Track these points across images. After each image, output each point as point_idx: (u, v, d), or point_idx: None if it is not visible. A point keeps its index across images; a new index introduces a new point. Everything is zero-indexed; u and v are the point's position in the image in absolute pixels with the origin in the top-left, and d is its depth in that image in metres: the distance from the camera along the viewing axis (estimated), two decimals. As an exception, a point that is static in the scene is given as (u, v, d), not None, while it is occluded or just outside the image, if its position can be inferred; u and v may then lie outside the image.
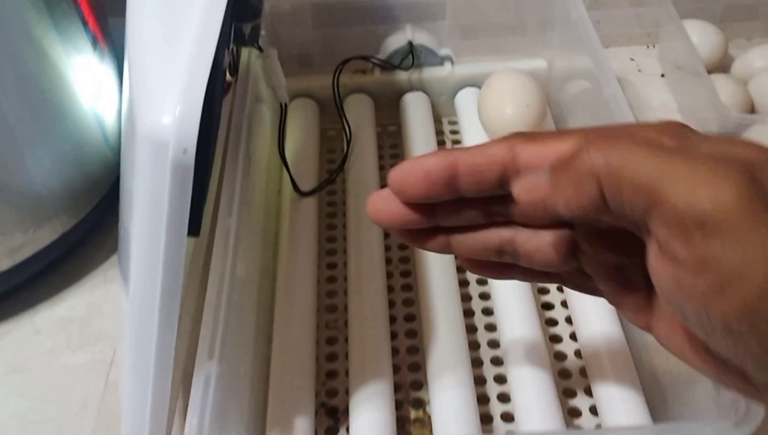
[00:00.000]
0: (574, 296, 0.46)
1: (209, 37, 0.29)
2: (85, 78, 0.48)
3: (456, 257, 0.33)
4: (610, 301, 0.29)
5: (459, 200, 0.28)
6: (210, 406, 0.33)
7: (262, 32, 0.48)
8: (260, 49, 0.50)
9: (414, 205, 0.28)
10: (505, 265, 0.30)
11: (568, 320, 0.46)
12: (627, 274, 0.28)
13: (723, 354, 0.24)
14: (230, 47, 0.48)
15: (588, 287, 0.30)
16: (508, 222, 0.29)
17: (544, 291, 0.49)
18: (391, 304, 0.48)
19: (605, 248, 0.27)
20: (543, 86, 0.59)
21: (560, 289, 0.48)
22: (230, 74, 0.51)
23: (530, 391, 0.41)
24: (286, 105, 0.50)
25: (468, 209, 0.29)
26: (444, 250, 0.30)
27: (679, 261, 0.22)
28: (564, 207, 0.25)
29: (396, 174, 0.28)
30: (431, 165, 0.27)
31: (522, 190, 0.27)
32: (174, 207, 0.28)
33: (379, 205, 0.29)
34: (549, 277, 0.31)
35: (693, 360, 0.26)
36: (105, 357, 0.48)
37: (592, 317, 0.44)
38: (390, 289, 0.48)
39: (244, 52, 0.51)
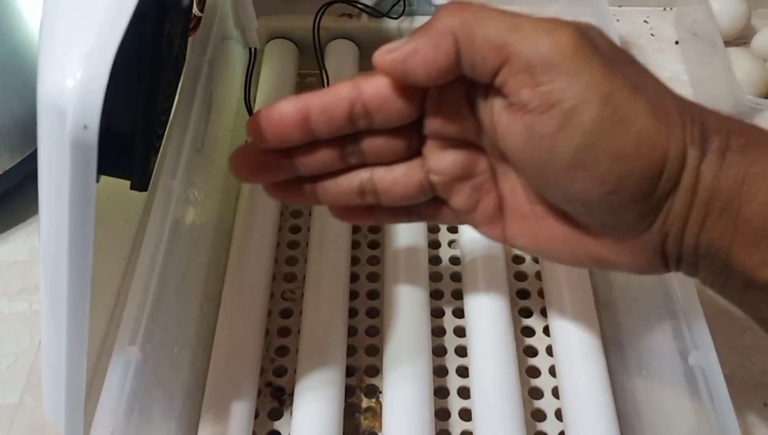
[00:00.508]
0: (550, 285, 0.42)
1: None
2: (33, 7, 0.43)
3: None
4: (466, 220, 0.32)
5: (315, 144, 0.30)
6: (127, 393, 0.29)
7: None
8: (231, -17, 0.45)
9: (273, 154, 0.30)
10: (369, 208, 0.33)
11: (543, 312, 0.43)
12: (476, 177, 0.31)
13: (567, 207, 0.28)
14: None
15: (443, 215, 0.33)
16: (364, 164, 0.31)
17: (521, 277, 0.45)
18: (355, 278, 0.44)
19: (451, 119, 0.29)
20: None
21: (538, 278, 0.44)
22: (198, 9, 0.47)
23: (492, 390, 0.37)
24: (255, 50, 0.46)
25: (324, 150, 0.30)
26: (311, 199, 0.32)
27: (527, 107, 0.25)
28: (423, 68, 0.26)
29: (253, 121, 0.29)
30: (284, 109, 0.29)
31: (382, 63, 0.27)
32: (76, 191, 0.24)
33: (240, 159, 0.31)
34: (409, 215, 0.33)
35: (545, 246, 0.30)
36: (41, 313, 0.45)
37: (567, 310, 0.40)
38: (355, 260, 0.45)
39: (214, -15, 0.46)
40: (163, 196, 0.35)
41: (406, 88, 0.28)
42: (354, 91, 0.28)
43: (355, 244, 0.45)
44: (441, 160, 0.31)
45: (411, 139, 0.31)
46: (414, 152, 0.31)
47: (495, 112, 0.27)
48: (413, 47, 0.26)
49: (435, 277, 0.44)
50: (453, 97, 0.29)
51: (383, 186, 0.31)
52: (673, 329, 0.33)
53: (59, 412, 0.33)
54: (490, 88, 0.27)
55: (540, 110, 0.25)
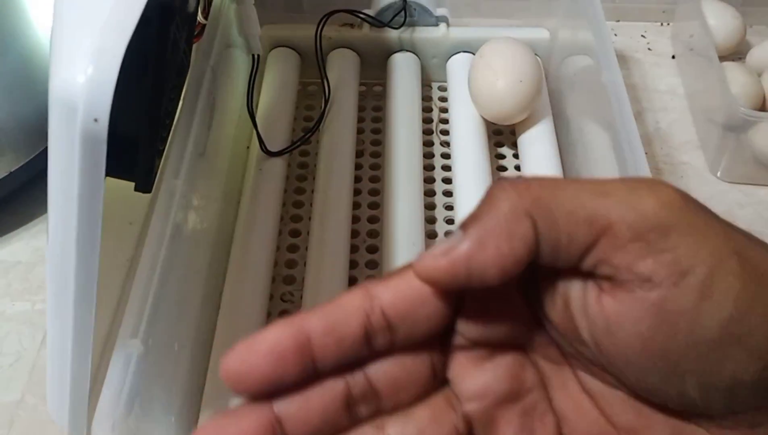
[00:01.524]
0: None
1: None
2: (42, 11, 0.44)
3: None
4: None
5: (310, 388, 0.21)
6: (128, 386, 0.30)
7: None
8: (236, -8, 0.46)
9: (255, 423, 0.21)
10: None
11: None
12: (526, 396, 0.23)
13: (698, 399, 0.21)
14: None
15: None
16: (375, 414, 0.22)
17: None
18: (353, 281, 0.45)
19: (499, 318, 0.22)
20: (543, 58, 0.55)
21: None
22: (203, 17, 0.48)
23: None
24: (258, 56, 0.47)
25: (324, 397, 0.21)
26: None
27: (652, 281, 0.20)
28: (497, 264, 0.20)
29: (230, 359, 0.20)
30: (275, 335, 0.20)
31: (436, 271, 0.21)
32: (86, 182, 0.25)
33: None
34: None
35: None
36: (46, 307, 0.45)
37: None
38: (353, 263, 0.45)
39: (219, -7, 0.47)
40: (165, 196, 0.36)
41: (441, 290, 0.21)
42: (367, 300, 0.21)
43: (353, 248, 0.46)
44: (479, 377, 0.23)
45: (434, 361, 0.23)
46: (438, 382, 0.23)
47: (579, 296, 0.21)
48: (476, 242, 0.20)
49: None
50: (503, 289, 0.22)
51: None
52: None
53: (63, 411, 0.33)
54: (566, 271, 0.21)
55: (671, 282, 0.20)
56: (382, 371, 0.22)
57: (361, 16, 0.54)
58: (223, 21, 0.45)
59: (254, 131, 0.49)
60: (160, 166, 0.39)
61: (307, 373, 0.21)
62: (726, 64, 0.57)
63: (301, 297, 0.42)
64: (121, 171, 0.41)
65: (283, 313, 0.44)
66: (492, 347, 0.23)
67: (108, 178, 0.39)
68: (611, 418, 0.23)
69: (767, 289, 0.20)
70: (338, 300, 0.21)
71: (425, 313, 0.21)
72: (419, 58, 0.56)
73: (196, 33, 0.46)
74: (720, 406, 0.21)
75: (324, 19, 0.52)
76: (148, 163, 0.41)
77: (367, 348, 0.21)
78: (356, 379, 0.22)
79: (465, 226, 0.21)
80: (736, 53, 0.61)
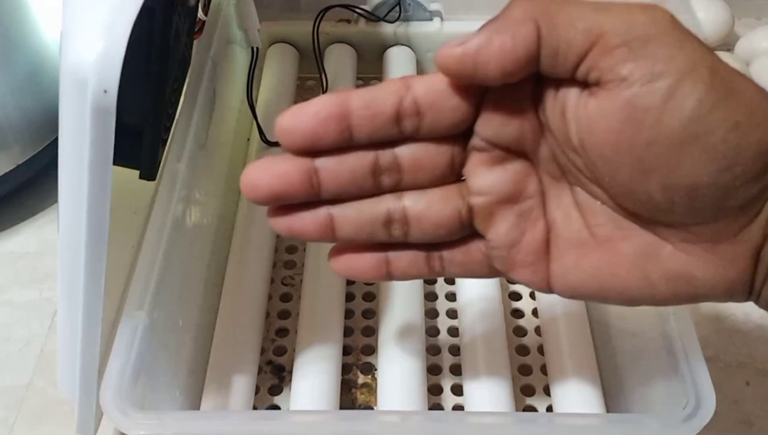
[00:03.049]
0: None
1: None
2: (46, 5, 0.46)
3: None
4: (503, 264, 0.27)
5: (347, 151, 0.26)
6: (134, 356, 0.31)
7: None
8: (235, -13, 0.48)
9: (296, 166, 0.25)
10: (383, 252, 0.28)
11: (532, 295, 0.45)
12: (524, 201, 0.27)
13: (663, 202, 0.24)
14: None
15: (473, 260, 0.28)
16: (396, 188, 0.27)
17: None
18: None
19: (509, 121, 0.25)
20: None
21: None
22: (203, 12, 0.49)
23: (483, 367, 0.39)
24: (257, 49, 0.48)
25: (357, 159, 0.26)
26: (324, 231, 0.27)
27: (628, 80, 0.23)
28: (498, 60, 0.23)
29: (284, 117, 0.25)
30: (320, 103, 0.25)
31: (448, 58, 0.24)
32: (96, 153, 0.26)
33: (255, 174, 0.26)
34: (429, 263, 0.28)
35: (607, 277, 0.26)
36: (53, 296, 0.47)
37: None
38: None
39: (218, -11, 0.48)
40: (168, 181, 0.37)
41: (464, 85, 0.25)
42: (404, 87, 0.25)
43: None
44: (488, 177, 0.27)
45: (454, 155, 0.27)
46: (455, 176, 0.27)
47: (573, 104, 0.24)
48: (486, 37, 0.23)
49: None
50: (516, 95, 0.25)
51: (415, 211, 0.27)
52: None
53: (73, 387, 0.35)
54: (565, 81, 0.24)
55: (643, 81, 0.22)
56: (408, 152, 0.26)
57: (357, 11, 0.55)
58: (223, 16, 0.47)
59: (254, 123, 0.50)
60: (164, 154, 0.40)
61: (344, 140, 0.25)
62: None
63: (302, 281, 0.44)
64: (127, 159, 0.43)
65: (284, 296, 0.45)
66: (504, 153, 0.26)
67: (113, 169, 0.40)
68: (593, 229, 0.26)
69: (731, 100, 0.22)
70: (380, 84, 0.26)
71: (450, 105, 0.25)
72: (414, 52, 0.57)
73: (196, 29, 0.47)
74: (682, 210, 0.24)
75: (321, 15, 0.54)
76: (153, 151, 0.42)
77: (398, 129, 0.26)
78: (385, 154, 0.26)
79: (482, 27, 0.24)
80: (725, 44, 0.62)
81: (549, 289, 0.28)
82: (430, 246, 0.28)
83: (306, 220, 0.27)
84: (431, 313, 0.44)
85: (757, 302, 0.26)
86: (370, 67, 0.57)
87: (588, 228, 0.27)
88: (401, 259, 0.28)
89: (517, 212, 0.27)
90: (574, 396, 0.38)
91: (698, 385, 0.30)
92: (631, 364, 0.37)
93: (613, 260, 0.26)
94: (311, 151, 0.25)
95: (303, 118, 0.25)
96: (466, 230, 0.28)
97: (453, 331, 0.43)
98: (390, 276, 0.29)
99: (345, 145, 0.26)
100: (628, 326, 0.38)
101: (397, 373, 0.38)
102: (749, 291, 0.25)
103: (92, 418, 0.36)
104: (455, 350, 0.42)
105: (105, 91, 0.26)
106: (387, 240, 0.28)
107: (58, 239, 0.31)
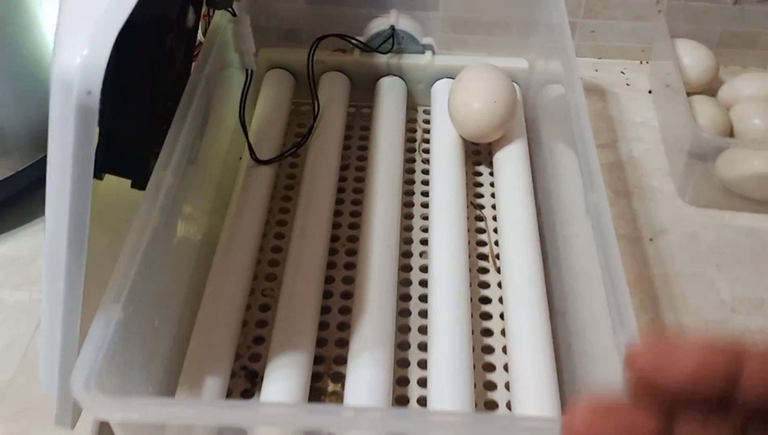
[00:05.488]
0: (509, 291, 0.45)
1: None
2: (49, 16, 0.48)
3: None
4: None
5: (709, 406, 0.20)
6: (106, 346, 0.32)
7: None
8: (233, 13, 0.50)
9: (645, 414, 0.20)
10: None
11: (500, 300, 0.46)
12: None
13: None
14: (202, 8, 0.48)
15: None
16: None
17: (485, 285, 0.48)
18: (330, 280, 0.47)
19: None
20: (522, 86, 0.59)
21: (501, 301, 0.48)
22: (202, 34, 0.51)
23: (447, 365, 0.41)
24: (252, 71, 0.50)
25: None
26: None
27: None
28: None
29: (651, 349, 0.20)
30: (709, 345, 0.20)
31: None
32: (79, 149, 0.28)
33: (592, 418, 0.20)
34: None
35: None
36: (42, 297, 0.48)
37: (521, 314, 0.43)
38: (332, 265, 0.48)
39: (217, 14, 0.51)
40: (154, 186, 0.39)
41: None
42: None
43: (332, 251, 0.49)
44: None
45: None
46: None
47: None
48: None
49: (404, 283, 0.48)
50: None
51: None
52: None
53: (53, 380, 0.36)
54: None
55: None
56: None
57: (353, 41, 0.58)
58: (220, 39, 0.49)
59: (246, 143, 0.52)
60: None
61: (715, 397, 0.20)
62: (698, 97, 0.61)
63: (280, 293, 0.45)
64: (121, 169, 0.45)
65: (263, 307, 0.46)
66: None
67: (105, 181, 0.43)
68: None
69: None
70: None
71: None
72: (406, 83, 0.59)
73: (196, 53, 0.50)
74: None
75: (316, 43, 0.56)
76: (145, 161, 0.45)
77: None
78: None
79: None
80: (710, 90, 0.64)
81: None
82: None
83: None
84: (404, 329, 0.45)
85: None
86: (362, 96, 0.60)
87: None
88: None
89: None
90: (531, 395, 0.39)
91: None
92: (585, 374, 0.39)
93: None
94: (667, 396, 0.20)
95: (683, 356, 0.20)
96: None
97: (423, 346, 0.44)
98: None
99: (713, 403, 0.20)
100: (586, 341, 0.40)
101: (364, 382, 0.40)
102: None
103: (71, 411, 0.38)
104: (423, 346, 0.44)
105: (89, 93, 0.28)
106: None
107: (45, 232, 0.33)
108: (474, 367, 0.42)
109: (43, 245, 0.51)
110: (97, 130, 0.29)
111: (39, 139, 0.51)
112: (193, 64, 0.47)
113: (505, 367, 0.43)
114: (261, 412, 0.32)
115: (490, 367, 0.44)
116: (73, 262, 0.31)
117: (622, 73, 0.69)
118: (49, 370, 0.37)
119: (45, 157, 0.51)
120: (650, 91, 0.67)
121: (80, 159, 0.29)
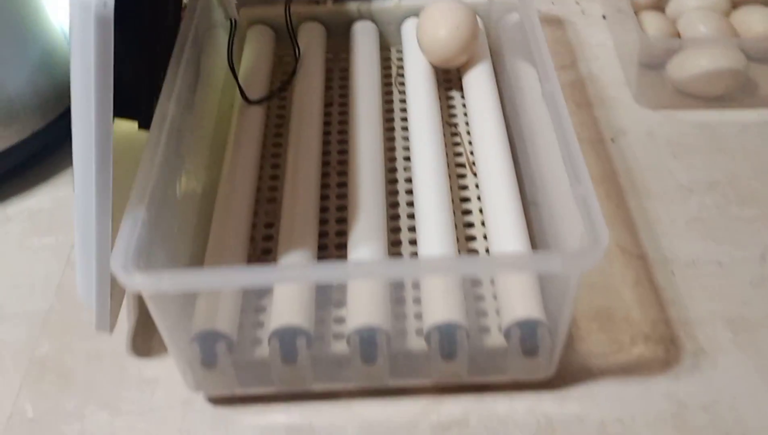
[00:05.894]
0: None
1: None
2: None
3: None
4: None
5: None
6: (135, 240, 0.37)
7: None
8: (213, -32, 0.55)
9: None
10: None
11: (480, 211, 0.52)
12: None
13: None
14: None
15: None
16: None
17: (464, 187, 0.53)
18: (326, 197, 0.53)
19: None
20: (483, 18, 0.64)
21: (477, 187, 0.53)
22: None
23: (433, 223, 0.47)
24: (236, 21, 0.56)
25: None
26: None
27: None
28: None
29: None
30: None
31: None
32: (99, 57, 0.34)
33: None
34: None
35: None
36: (67, 240, 0.53)
37: (499, 203, 0.49)
38: (326, 185, 0.54)
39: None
40: (159, 117, 0.44)
41: None
42: None
43: (325, 175, 0.54)
44: None
45: None
46: None
47: None
48: None
49: (392, 192, 0.53)
50: None
51: None
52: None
53: (90, 288, 0.41)
54: None
55: None
56: None
57: (323, -9, 0.63)
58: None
59: (237, 93, 0.57)
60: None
61: None
62: (646, 13, 0.66)
63: (281, 211, 0.50)
64: (127, 113, 0.51)
65: (268, 225, 0.52)
66: None
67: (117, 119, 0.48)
68: None
69: None
70: None
71: None
72: (377, 26, 0.65)
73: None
74: None
75: (291, -2, 0.62)
76: (148, 102, 0.50)
77: None
78: None
79: None
80: (659, 7, 0.69)
81: None
82: None
83: None
84: (395, 217, 0.51)
85: None
86: (339, 42, 0.65)
87: None
88: None
89: None
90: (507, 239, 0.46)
91: (595, 224, 0.36)
92: (551, 226, 0.45)
93: None
94: None
95: None
96: None
97: (412, 229, 0.50)
98: None
99: None
100: (549, 196, 0.46)
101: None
102: None
103: (108, 316, 0.43)
104: (411, 216, 0.51)
105: (105, 5, 0.33)
106: None
107: (72, 148, 0.38)
108: (457, 240, 0.48)
109: (62, 198, 0.56)
110: (113, 38, 0.34)
111: (48, 104, 0.56)
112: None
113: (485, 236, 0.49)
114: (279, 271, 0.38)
115: (470, 236, 0.49)
116: (102, 161, 0.36)
117: (577, 3, 0.74)
118: (85, 282, 0.42)
119: (53, 122, 0.57)
120: (604, 17, 0.72)
121: (101, 66, 0.34)
